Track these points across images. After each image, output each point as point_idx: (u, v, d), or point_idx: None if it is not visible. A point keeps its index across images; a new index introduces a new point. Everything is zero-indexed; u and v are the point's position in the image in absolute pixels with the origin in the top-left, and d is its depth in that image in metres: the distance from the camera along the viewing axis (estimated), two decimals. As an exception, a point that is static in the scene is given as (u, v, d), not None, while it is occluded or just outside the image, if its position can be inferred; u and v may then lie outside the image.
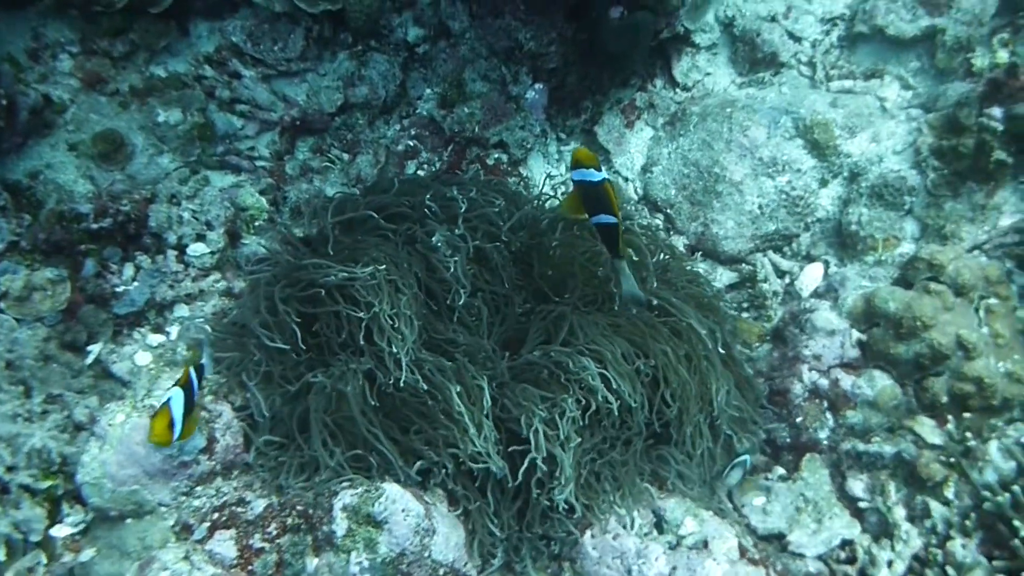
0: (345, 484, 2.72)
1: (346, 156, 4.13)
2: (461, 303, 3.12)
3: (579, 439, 2.81)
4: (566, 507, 2.74)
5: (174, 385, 2.51)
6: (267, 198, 3.89)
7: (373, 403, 2.87)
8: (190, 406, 2.48)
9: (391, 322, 2.91)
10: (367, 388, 2.91)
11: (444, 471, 2.82)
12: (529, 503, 2.84)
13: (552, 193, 3.64)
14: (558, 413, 2.77)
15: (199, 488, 2.97)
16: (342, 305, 2.95)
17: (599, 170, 2.66)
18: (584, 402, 2.84)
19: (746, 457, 3.18)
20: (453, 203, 3.40)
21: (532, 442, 2.70)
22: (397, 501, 2.61)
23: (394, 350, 2.84)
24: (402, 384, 2.82)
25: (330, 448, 2.91)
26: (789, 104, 4.11)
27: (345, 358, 3.04)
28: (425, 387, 2.83)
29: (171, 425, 2.33)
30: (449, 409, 2.80)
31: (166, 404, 2.35)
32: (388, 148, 4.17)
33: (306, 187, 3.98)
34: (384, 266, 3.03)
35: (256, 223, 3.83)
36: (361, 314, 2.90)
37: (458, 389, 2.81)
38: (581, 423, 2.84)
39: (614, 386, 2.84)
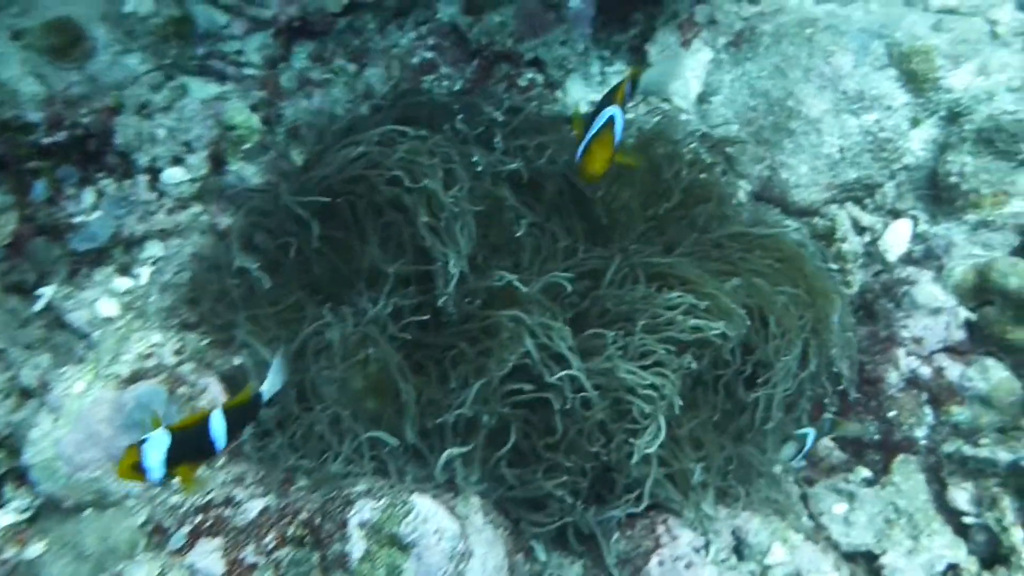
0: (361, 489, 2.19)
1: (352, 67, 3.45)
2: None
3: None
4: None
5: (177, 425, 1.89)
6: (259, 115, 3.22)
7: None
8: (199, 452, 1.89)
9: (444, 213, 2.39)
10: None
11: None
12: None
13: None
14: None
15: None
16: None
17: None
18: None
19: (811, 431, 2.68)
20: (488, 121, 2.88)
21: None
22: (429, 520, 2.08)
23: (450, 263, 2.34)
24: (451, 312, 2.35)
25: (342, 427, 2.38)
26: (882, 26, 3.45)
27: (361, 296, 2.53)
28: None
29: (138, 467, 1.76)
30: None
31: (136, 446, 1.77)
32: (401, 60, 3.49)
33: (305, 104, 3.31)
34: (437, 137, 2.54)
35: (245, 146, 3.17)
36: (406, 181, 2.41)
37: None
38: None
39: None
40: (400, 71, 3.48)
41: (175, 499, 2.36)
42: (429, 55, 3.53)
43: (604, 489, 2.41)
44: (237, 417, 1.94)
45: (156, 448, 1.78)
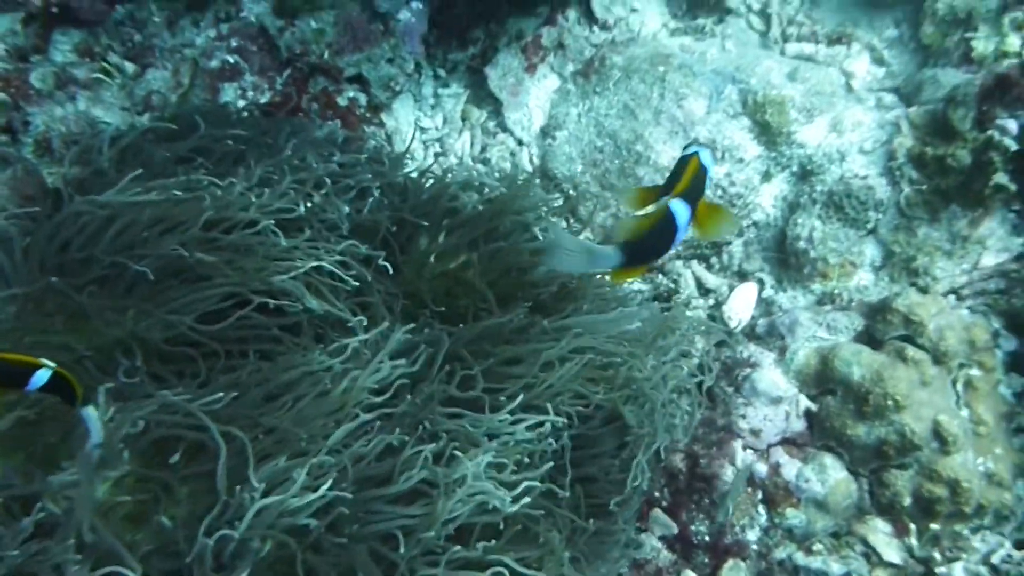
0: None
1: (130, 67, 2.87)
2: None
3: None
4: None
5: None
6: (-5, 121, 2.60)
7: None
8: None
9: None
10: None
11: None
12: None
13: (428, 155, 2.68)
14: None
15: None
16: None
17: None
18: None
19: None
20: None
21: None
22: None
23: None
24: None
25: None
26: (737, 69, 3.19)
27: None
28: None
29: None
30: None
31: None
32: (196, 63, 2.94)
33: (62, 112, 2.70)
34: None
35: (-27, 159, 2.54)
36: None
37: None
38: None
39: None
40: (192, 76, 2.93)
41: None
42: (231, 59, 2.99)
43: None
44: None
45: None
